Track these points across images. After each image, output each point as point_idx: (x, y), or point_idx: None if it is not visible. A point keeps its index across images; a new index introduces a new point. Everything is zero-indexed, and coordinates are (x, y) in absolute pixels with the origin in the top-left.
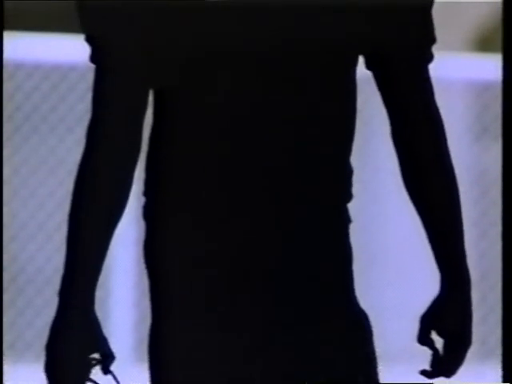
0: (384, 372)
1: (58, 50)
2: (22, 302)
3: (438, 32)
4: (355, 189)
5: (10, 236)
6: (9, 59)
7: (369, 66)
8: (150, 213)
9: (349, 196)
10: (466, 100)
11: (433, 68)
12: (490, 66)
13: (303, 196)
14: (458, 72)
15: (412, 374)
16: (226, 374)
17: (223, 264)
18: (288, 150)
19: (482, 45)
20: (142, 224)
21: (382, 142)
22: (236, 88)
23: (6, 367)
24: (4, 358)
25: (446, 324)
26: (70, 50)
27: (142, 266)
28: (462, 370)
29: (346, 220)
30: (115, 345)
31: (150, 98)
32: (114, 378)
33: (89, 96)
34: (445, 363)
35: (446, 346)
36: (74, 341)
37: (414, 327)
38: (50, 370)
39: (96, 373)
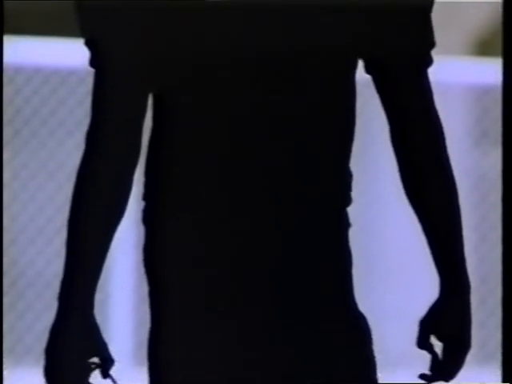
0: (383, 376)
1: (57, 54)
2: (21, 305)
3: (438, 36)
4: (355, 193)
5: (9, 240)
6: (9, 63)
7: (368, 70)
8: (149, 217)
9: (348, 200)
10: (465, 104)
11: (432, 72)
12: (490, 69)
13: (303, 199)
14: (457, 76)
15: (411, 378)
16: (225, 376)
17: (223, 267)
18: (287, 153)
19: (482, 49)
20: (141, 228)
21: (381, 147)
22: (236, 91)
23: (5, 371)
24: (4, 361)
25: (445, 328)
26: (69, 54)
27: (142, 269)
28: (462, 374)
29: (345, 224)
30: (115, 348)
31: (150, 102)
32: (114, 381)
33: (88, 100)
34: (444, 367)
35: (445, 349)
36: (74, 345)
37: (414, 331)
38: (50, 373)
39: (95, 377)
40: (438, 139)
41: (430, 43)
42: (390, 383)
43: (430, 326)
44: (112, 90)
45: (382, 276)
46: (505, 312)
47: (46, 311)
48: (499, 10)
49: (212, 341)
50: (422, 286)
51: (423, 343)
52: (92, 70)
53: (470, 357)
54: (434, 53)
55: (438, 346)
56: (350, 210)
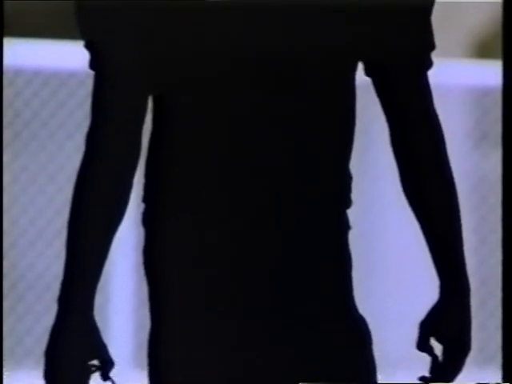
0: (383, 378)
1: (57, 57)
2: (21, 308)
3: (437, 38)
4: (355, 195)
5: (9, 243)
6: (8, 65)
7: (368, 72)
8: (149, 219)
9: (348, 202)
10: (465, 106)
11: (432, 74)
12: (490, 71)
13: (303, 200)
14: (457, 78)
15: (411, 380)
16: (225, 377)
17: (223, 268)
18: (287, 154)
19: (482, 51)
20: (141, 230)
21: (381, 149)
22: (235, 92)
23: (5, 373)
24: (4, 364)
25: (445, 330)
26: (69, 56)
27: (142, 271)
28: (462, 376)
29: (345, 226)
30: (114, 351)
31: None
32: None
33: (88, 102)
34: (444, 369)
35: (445, 352)
36: (74, 347)
37: (414, 333)
38: (50, 376)
39: (95, 379)
40: (437, 141)
41: (430, 45)
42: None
43: (429, 328)
44: (112, 92)
45: (382, 278)
46: (505, 314)
47: (46, 314)
48: (499, 12)
49: (212, 342)
50: (422, 289)
51: (423, 345)
52: (92, 73)
53: (469, 359)
54: (433, 55)
55: (437, 348)
56: (350, 212)
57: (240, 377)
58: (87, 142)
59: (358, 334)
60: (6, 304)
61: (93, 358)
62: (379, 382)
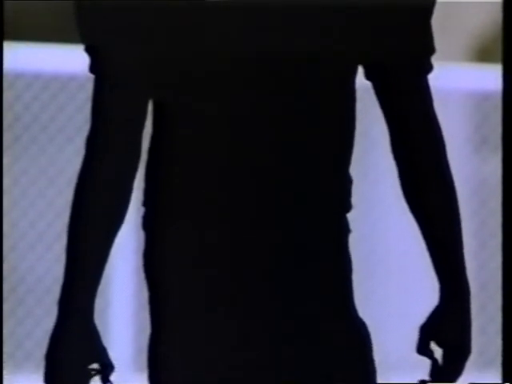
0: (383, 381)
1: (57, 60)
2: (21, 311)
3: (438, 42)
4: (355, 199)
5: (9, 246)
6: (9, 69)
7: (368, 77)
8: (149, 223)
9: (348, 206)
10: (465, 110)
11: (432, 78)
12: (490, 76)
13: (303, 204)
14: (457, 82)
15: None
16: (225, 380)
17: (223, 272)
18: (287, 158)
19: (482, 55)
20: (141, 234)
21: (381, 153)
22: (235, 95)
23: (5, 377)
24: (4, 367)
25: (445, 334)
26: (69, 60)
27: (142, 275)
28: (462, 380)
29: (345, 230)
30: (115, 354)
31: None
32: None
33: (88, 106)
34: (444, 373)
35: (445, 356)
36: (74, 351)
37: (414, 337)
38: (50, 380)
39: (95, 383)
40: (437, 145)
41: (430, 49)
42: None
43: (430, 331)
44: (112, 96)
45: (382, 281)
46: (505, 318)
47: (46, 317)
48: (499, 16)
49: (212, 345)
50: (422, 292)
51: (423, 349)
52: (92, 76)
53: (469, 363)
54: (433, 59)
55: (438, 351)
56: (350, 216)
57: (239, 381)
58: (87, 146)
59: (357, 337)
60: (5, 307)
61: (93, 362)
62: None
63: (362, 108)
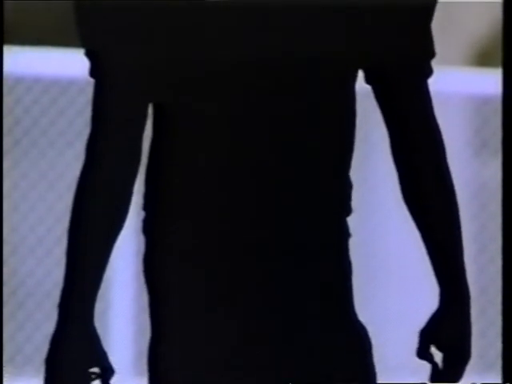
0: None
1: (57, 64)
2: (21, 315)
3: (438, 46)
4: (355, 203)
5: (9, 250)
6: (9, 73)
7: (368, 80)
8: (149, 227)
9: (348, 210)
10: (465, 114)
11: (432, 82)
12: (490, 80)
13: (303, 209)
14: (457, 86)
15: None
16: (225, 383)
17: (223, 277)
18: (287, 162)
19: (482, 59)
20: (141, 238)
21: (381, 157)
22: (235, 99)
23: (5, 381)
24: (4, 371)
25: (445, 338)
26: (69, 64)
27: (142, 279)
28: None
29: (345, 234)
30: (115, 358)
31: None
32: None
33: (88, 110)
34: (444, 377)
35: (445, 359)
36: (74, 354)
37: (414, 341)
38: (50, 383)
39: None
40: (437, 149)
41: (430, 53)
42: None
43: (430, 335)
44: (112, 100)
45: (382, 285)
46: (505, 322)
47: (46, 321)
48: (499, 20)
49: (212, 349)
50: (422, 296)
51: (423, 353)
52: (92, 80)
53: (469, 366)
54: (433, 63)
55: (438, 355)
56: (351, 220)
57: (239, 381)
58: (87, 150)
59: (357, 341)
60: (5, 311)
61: (93, 366)
62: None
63: (362, 113)
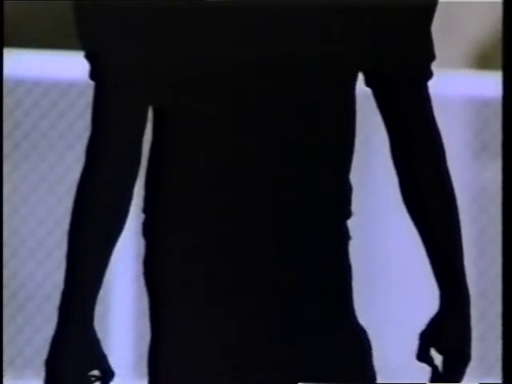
0: None
1: (57, 67)
2: (21, 318)
3: (438, 49)
4: (355, 206)
5: (9, 253)
6: (9, 75)
7: (368, 83)
8: (149, 230)
9: (348, 213)
10: (465, 117)
11: (432, 85)
12: (490, 82)
13: (303, 212)
14: (457, 89)
15: None
16: None
17: (223, 279)
18: (287, 163)
19: (482, 61)
20: (141, 241)
21: (381, 160)
22: (235, 101)
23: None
24: (4, 374)
25: (445, 341)
26: (69, 66)
27: (142, 282)
28: None
29: (345, 237)
30: (115, 361)
31: (150, 114)
32: None
33: (88, 113)
34: (444, 380)
35: (445, 362)
36: (74, 357)
37: (414, 344)
38: None
39: None
40: (437, 152)
41: (430, 56)
42: None
43: (430, 338)
44: (112, 103)
45: (382, 288)
46: (505, 325)
47: (46, 324)
48: (499, 22)
49: (212, 352)
50: (423, 299)
51: (423, 356)
52: (92, 83)
53: (470, 369)
54: (433, 65)
55: (438, 358)
56: (351, 223)
57: (239, 381)
58: (87, 153)
59: (357, 344)
60: (5, 314)
61: (93, 369)
62: None
63: (362, 116)
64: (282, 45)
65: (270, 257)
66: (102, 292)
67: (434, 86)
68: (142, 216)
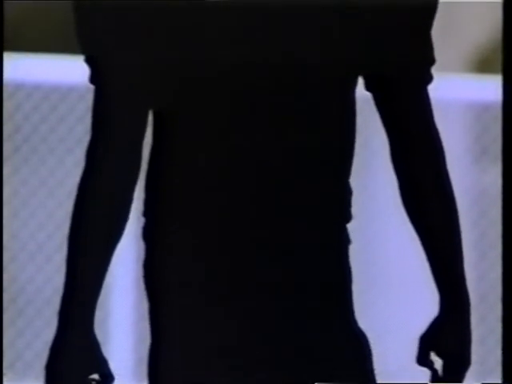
0: None
1: (57, 71)
2: (21, 322)
3: (438, 52)
4: (355, 210)
5: (9, 257)
6: (9, 79)
7: (368, 87)
8: (149, 233)
9: (348, 216)
10: (465, 121)
11: (432, 89)
12: (490, 87)
13: (303, 215)
14: (457, 93)
15: None
16: None
17: (223, 283)
18: (287, 169)
19: (482, 66)
20: (141, 244)
21: (381, 164)
22: (235, 102)
23: None
24: (4, 378)
25: (445, 345)
26: (69, 70)
27: (142, 286)
28: None
29: (345, 240)
30: (115, 365)
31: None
32: None
33: (88, 117)
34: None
35: (445, 366)
36: (74, 361)
37: (414, 348)
38: None
39: None
40: (437, 156)
41: (430, 60)
42: None
43: (429, 342)
44: (112, 107)
45: (382, 292)
46: (505, 329)
47: (46, 328)
48: (499, 26)
49: (212, 356)
50: (423, 303)
51: (423, 360)
52: (92, 87)
53: (469, 373)
54: (433, 69)
55: (437, 362)
56: (351, 227)
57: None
58: (87, 157)
59: (357, 348)
60: (5, 318)
61: (93, 373)
62: None
63: (362, 119)
64: (282, 45)
65: (270, 257)
66: (102, 296)
67: (434, 90)
68: (142, 219)
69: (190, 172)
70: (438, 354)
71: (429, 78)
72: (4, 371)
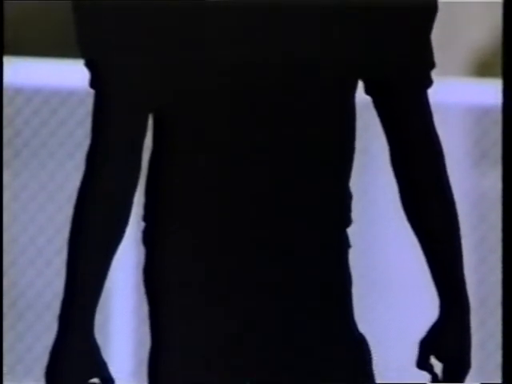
0: None
1: (57, 75)
2: (21, 326)
3: (437, 56)
4: (354, 214)
5: (9, 261)
6: (8, 84)
7: (368, 91)
8: (149, 238)
9: (348, 221)
10: (465, 125)
11: (432, 93)
12: (490, 90)
13: (303, 220)
14: (457, 97)
15: None
16: None
17: (223, 287)
18: (287, 173)
19: (482, 69)
20: (141, 249)
21: (381, 168)
22: (235, 104)
23: None
24: (4, 381)
25: (445, 349)
26: (69, 74)
27: (142, 290)
28: None
29: (345, 245)
30: (115, 369)
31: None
32: None
33: (88, 121)
34: None
35: (444, 370)
36: (74, 365)
37: (414, 352)
38: None
39: None
40: (437, 160)
41: (430, 64)
42: None
43: (429, 346)
44: (112, 111)
45: (382, 297)
46: (504, 333)
47: (46, 332)
48: (499, 30)
49: (212, 359)
50: (422, 307)
51: (423, 364)
52: (92, 91)
53: (469, 377)
54: (433, 73)
55: (437, 366)
56: (350, 231)
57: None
58: (87, 161)
59: (357, 352)
60: (5, 322)
61: (93, 376)
62: None
63: (361, 124)
64: (281, 45)
65: (270, 257)
66: (102, 300)
67: (434, 94)
68: (142, 224)
69: (190, 172)
70: (438, 358)
71: (429, 82)
72: (4, 375)
